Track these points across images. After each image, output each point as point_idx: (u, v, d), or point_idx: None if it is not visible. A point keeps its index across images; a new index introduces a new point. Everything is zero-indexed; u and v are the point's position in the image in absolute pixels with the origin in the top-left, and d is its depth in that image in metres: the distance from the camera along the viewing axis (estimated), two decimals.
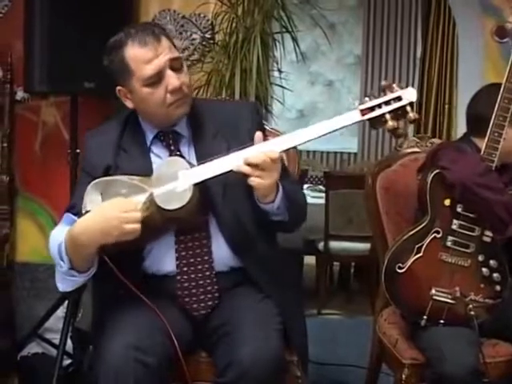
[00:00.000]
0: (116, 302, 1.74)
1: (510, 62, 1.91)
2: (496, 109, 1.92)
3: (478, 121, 2.05)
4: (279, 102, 3.08)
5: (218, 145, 1.76)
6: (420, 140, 2.35)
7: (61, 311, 2.84)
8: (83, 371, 2.62)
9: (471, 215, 1.92)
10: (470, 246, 1.92)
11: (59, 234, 1.69)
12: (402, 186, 2.28)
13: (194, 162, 1.75)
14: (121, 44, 1.72)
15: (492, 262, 1.93)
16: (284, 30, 2.95)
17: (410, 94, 1.62)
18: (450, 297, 1.90)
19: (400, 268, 1.91)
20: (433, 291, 1.90)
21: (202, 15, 3.09)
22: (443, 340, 1.86)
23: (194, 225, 1.75)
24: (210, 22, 3.09)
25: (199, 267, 1.76)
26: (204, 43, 3.09)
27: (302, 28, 3.05)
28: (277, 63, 3.05)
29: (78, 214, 1.72)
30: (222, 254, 1.78)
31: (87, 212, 1.66)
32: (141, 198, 1.65)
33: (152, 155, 1.82)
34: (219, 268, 1.79)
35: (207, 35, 3.09)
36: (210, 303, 1.77)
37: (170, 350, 1.65)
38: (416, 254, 1.92)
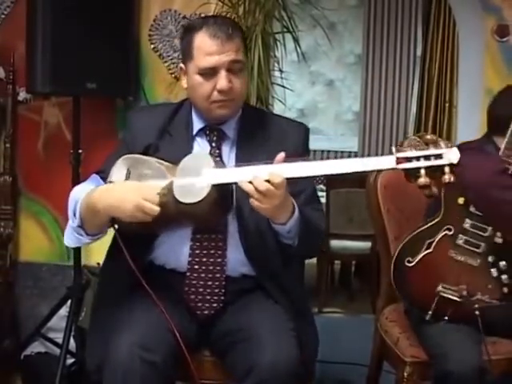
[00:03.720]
0: (120, 299, 1.75)
1: None
2: None
3: (497, 121, 2.05)
4: (280, 102, 3.07)
5: (260, 154, 1.73)
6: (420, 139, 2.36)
7: (64, 310, 2.85)
8: (86, 370, 2.63)
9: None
10: (481, 246, 1.92)
11: (81, 191, 1.74)
12: (402, 184, 2.26)
13: (232, 163, 1.75)
14: (195, 28, 1.77)
15: (502, 264, 1.92)
16: (285, 29, 2.95)
17: (452, 155, 1.50)
18: (456, 294, 1.90)
19: (409, 262, 1.92)
20: (440, 287, 1.91)
21: (202, 15, 3.09)
22: (448, 337, 1.87)
23: (208, 224, 1.74)
24: None
25: (210, 268, 1.76)
26: None
27: (303, 28, 3.04)
28: (278, 63, 3.04)
29: (105, 180, 1.75)
30: (236, 259, 1.78)
31: (110, 183, 1.70)
32: (161, 183, 1.67)
33: (195, 145, 1.83)
34: (230, 273, 1.78)
35: None
36: (214, 305, 1.77)
37: (175, 348, 1.65)
38: (426, 249, 1.92)
